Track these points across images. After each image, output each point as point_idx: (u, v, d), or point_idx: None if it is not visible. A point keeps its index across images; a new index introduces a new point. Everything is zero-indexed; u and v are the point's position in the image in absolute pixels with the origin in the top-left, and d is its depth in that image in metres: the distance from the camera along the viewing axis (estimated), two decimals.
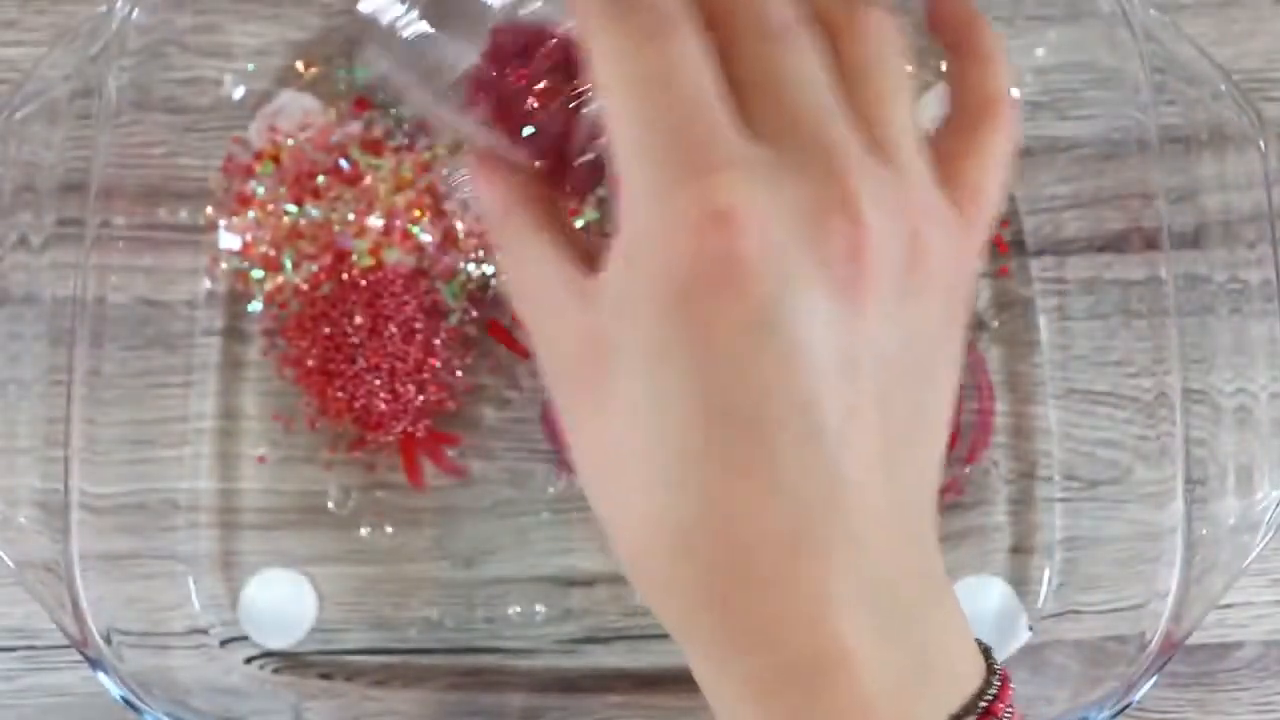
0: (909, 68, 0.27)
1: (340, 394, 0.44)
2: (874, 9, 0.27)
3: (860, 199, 0.24)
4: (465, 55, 0.28)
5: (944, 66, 0.29)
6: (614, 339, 0.25)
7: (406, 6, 0.28)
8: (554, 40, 0.28)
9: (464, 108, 0.28)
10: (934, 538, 0.27)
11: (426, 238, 0.45)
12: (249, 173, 0.45)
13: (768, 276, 0.23)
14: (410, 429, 0.44)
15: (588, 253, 0.27)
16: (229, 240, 0.45)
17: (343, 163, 0.45)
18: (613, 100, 0.25)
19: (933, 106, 0.43)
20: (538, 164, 0.28)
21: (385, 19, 0.28)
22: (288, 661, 0.44)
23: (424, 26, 0.28)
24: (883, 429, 0.25)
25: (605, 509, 0.27)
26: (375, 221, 0.44)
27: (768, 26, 0.26)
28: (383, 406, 0.44)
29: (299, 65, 0.46)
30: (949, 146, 0.27)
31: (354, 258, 0.44)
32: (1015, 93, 0.29)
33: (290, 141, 0.45)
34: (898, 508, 0.25)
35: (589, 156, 0.28)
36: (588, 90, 0.27)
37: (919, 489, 0.27)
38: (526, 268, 0.27)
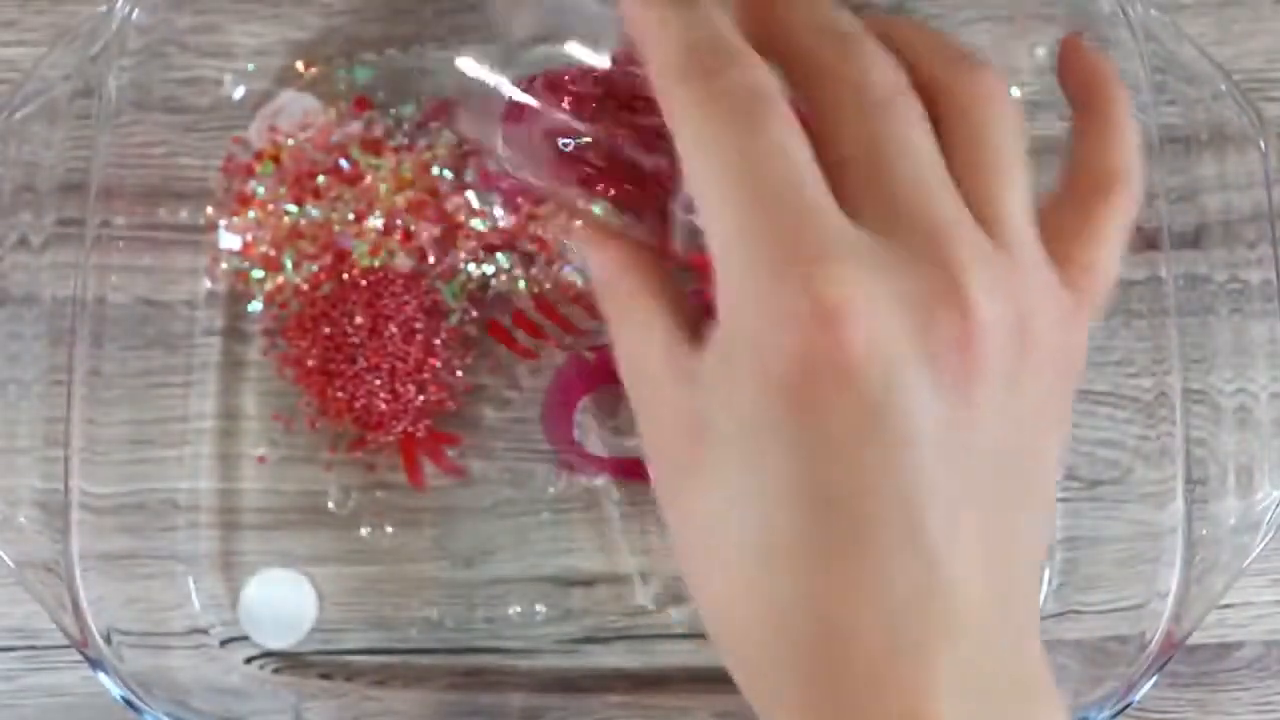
0: (1022, 138, 0.25)
1: (340, 394, 0.44)
2: (982, 75, 0.25)
3: (970, 288, 0.23)
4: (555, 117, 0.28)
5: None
6: (713, 421, 0.24)
7: (502, 70, 0.28)
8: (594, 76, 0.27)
9: (560, 171, 0.28)
10: (1035, 625, 0.26)
11: (427, 237, 0.44)
12: (249, 173, 0.45)
13: (875, 370, 0.23)
14: (410, 429, 0.44)
15: (698, 319, 0.26)
16: (229, 240, 0.45)
17: (343, 163, 0.45)
18: (703, 185, 0.24)
19: None
20: (642, 230, 0.28)
21: (480, 84, 0.28)
22: (288, 661, 0.44)
23: (518, 90, 0.28)
24: (985, 522, 0.24)
25: (698, 587, 0.26)
26: (375, 221, 0.44)
27: (869, 96, 0.24)
28: (383, 406, 0.44)
29: (299, 65, 0.46)
30: (1062, 222, 0.26)
31: (354, 257, 0.44)
32: (1137, 159, 0.27)
33: (290, 141, 0.45)
34: (999, 601, 0.25)
35: (687, 219, 0.27)
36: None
37: (1022, 578, 0.26)
38: (630, 335, 0.27)
